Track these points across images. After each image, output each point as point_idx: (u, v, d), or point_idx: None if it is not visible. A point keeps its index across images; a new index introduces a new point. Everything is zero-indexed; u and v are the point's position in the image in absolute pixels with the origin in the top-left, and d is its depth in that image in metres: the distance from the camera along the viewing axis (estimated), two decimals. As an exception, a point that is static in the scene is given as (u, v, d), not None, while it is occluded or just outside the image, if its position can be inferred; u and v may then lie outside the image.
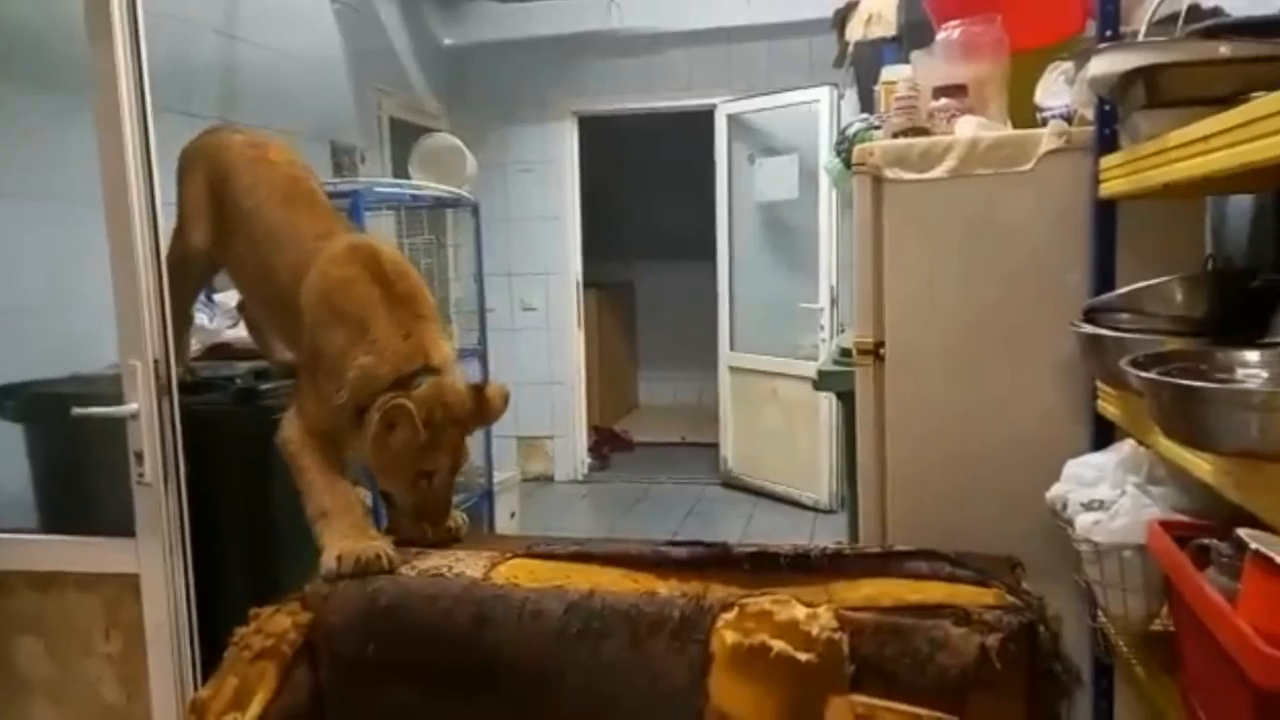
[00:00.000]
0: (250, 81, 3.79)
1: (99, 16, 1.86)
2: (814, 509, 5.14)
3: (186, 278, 2.20)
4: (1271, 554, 0.88)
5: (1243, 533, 0.96)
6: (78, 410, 1.97)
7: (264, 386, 2.28)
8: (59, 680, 2.17)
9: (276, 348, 2.37)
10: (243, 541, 2.25)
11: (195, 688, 1.98)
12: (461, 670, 1.58)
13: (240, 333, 3.15)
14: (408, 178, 3.91)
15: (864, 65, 4.04)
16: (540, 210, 5.82)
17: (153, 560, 1.99)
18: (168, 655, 2.02)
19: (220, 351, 2.82)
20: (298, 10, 4.25)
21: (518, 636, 1.55)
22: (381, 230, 4.15)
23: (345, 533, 1.74)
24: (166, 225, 2.02)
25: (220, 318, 2.88)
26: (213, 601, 2.08)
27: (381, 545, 1.72)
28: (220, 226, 2.13)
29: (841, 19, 4.30)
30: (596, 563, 1.74)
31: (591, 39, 5.56)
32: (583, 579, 1.66)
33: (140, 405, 1.93)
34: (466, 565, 1.73)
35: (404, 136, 4.89)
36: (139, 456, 1.95)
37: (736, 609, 1.50)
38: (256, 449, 2.24)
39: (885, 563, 1.64)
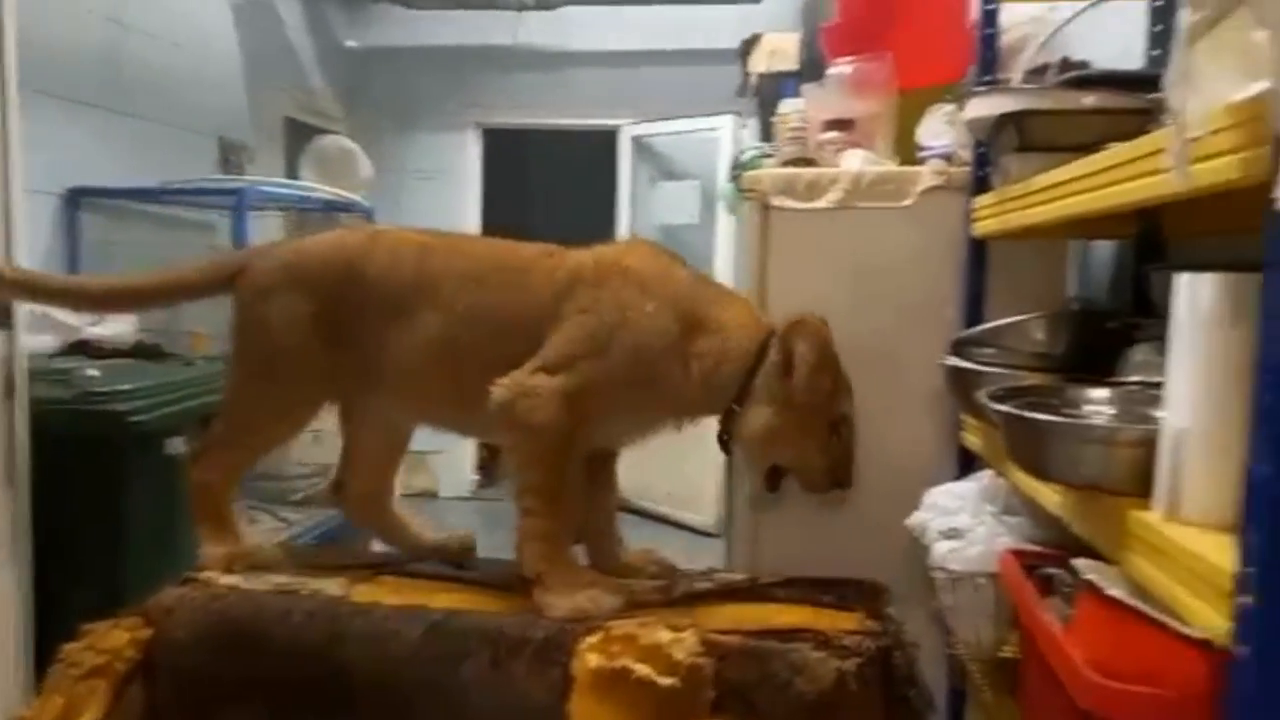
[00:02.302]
0: (133, 70, 3.63)
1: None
2: (698, 532, 5.16)
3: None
4: (1101, 584, 0.91)
5: (1078, 563, 0.99)
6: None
7: (122, 387, 2.16)
8: None
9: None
10: (90, 551, 2.12)
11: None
12: (313, 690, 1.51)
13: (103, 330, 2.99)
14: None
15: (766, 96, 4.13)
16: (439, 221, 5.66)
17: (-15, 568, 1.85)
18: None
19: (80, 349, 2.67)
20: (194, 1, 4.09)
21: (374, 655, 1.49)
22: (269, 234, 4.02)
23: (573, 573, 1.59)
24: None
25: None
26: (52, 615, 1.94)
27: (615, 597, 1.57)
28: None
29: (746, 50, 4.39)
30: (462, 584, 1.70)
31: (498, 52, 5.52)
32: (446, 598, 1.62)
33: (-22, 401, 1.80)
34: (325, 582, 1.67)
35: (301, 137, 4.75)
36: (-26, 456, 1.81)
37: (601, 631, 1.47)
38: (108, 452, 2.13)
39: (751, 586, 1.64)
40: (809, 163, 2.03)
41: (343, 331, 1.68)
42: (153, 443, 2.19)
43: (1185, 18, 0.68)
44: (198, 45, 4.08)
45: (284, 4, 4.90)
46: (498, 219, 6.26)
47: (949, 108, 1.95)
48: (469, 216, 5.76)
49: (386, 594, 1.64)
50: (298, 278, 1.70)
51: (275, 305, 1.69)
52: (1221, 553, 0.84)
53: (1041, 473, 1.10)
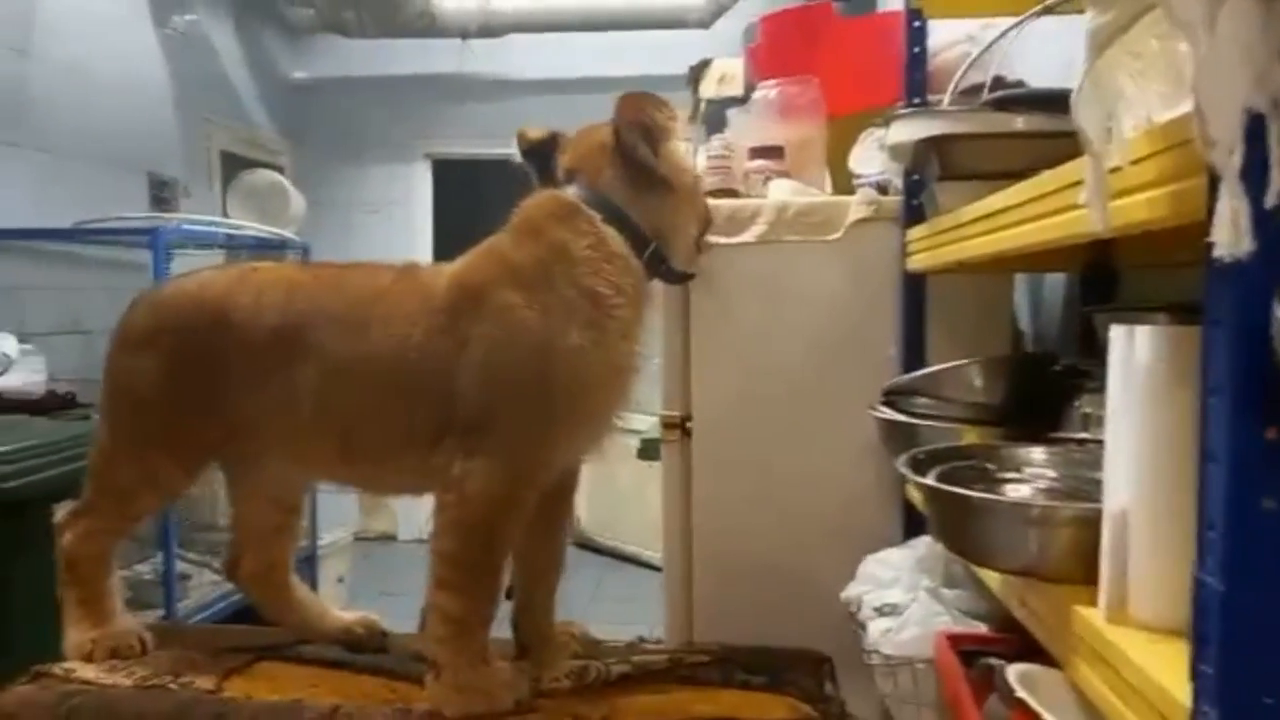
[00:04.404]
0: (42, 103, 3.45)
1: None
2: (658, 568, 4.99)
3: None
4: (1036, 708, 0.75)
5: (1011, 673, 0.83)
6: None
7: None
8: None
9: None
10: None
11: None
12: (170, 805, 1.33)
13: (9, 380, 2.80)
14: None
15: (715, 123, 4.00)
16: (388, 254, 5.55)
17: None
18: None
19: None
20: (116, 33, 3.92)
21: (239, 763, 1.32)
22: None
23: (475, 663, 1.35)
24: None
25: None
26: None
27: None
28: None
29: (696, 76, 4.27)
30: (354, 670, 1.52)
31: (445, 80, 5.38)
32: (331, 690, 1.44)
33: None
34: (199, 673, 1.49)
35: (239, 172, 4.59)
36: None
37: (497, 730, 1.30)
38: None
39: (674, 669, 1.47)
40: (731, 194, 1.88)
41: (209, 386, 1.48)
42: (28, 511, 2.00)
43: (1089, 20, 0.52)
44: (120, 77, 3.90)
45: (219, 35, 4.74)
46: (451, 251, 6.09)
47: (881, 133, 1.81)
48: (420, 249, 5.59)
49: (264, 687, 1.46)
50: (158, 325, 1.52)
51: (134, 356, 1.51)
52: (1174, 671, 0.68)
53: (971, 557, 0.95)
